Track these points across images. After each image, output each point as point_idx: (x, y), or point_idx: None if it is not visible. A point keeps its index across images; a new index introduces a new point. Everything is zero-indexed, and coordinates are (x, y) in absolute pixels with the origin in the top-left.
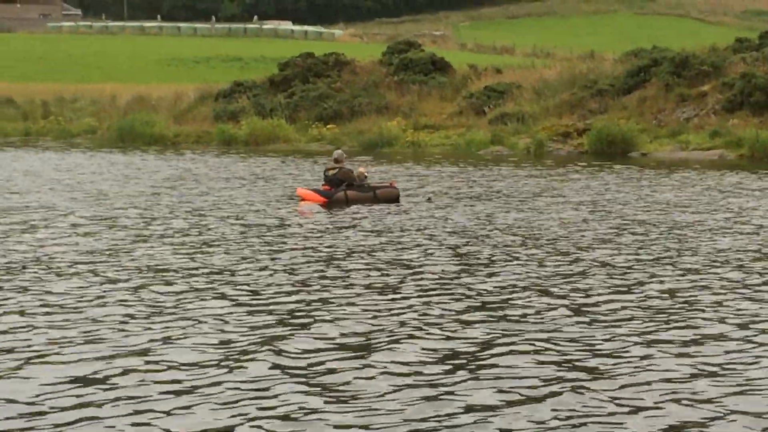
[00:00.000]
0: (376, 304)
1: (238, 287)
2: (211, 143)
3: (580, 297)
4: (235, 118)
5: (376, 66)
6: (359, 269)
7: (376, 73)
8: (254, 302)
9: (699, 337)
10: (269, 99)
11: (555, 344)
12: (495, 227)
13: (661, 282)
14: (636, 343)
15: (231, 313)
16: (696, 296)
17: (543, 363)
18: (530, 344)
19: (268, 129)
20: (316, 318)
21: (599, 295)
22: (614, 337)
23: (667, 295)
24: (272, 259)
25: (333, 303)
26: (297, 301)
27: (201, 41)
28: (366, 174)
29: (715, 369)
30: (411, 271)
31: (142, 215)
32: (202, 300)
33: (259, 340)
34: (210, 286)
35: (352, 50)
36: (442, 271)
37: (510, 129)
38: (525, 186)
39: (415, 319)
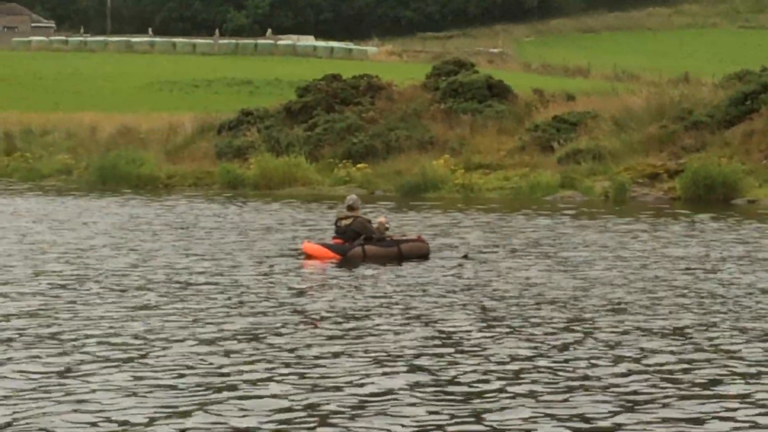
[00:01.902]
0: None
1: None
2: (212, 186)
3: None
4: (242, 155)
5: (419, 91)
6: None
7: (419, 100)
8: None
9: None
10: (285, 132)
11: None
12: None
13: None
14: None
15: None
16: None
17: None
18: None
19: (283, 169)
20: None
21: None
22: None
23: None
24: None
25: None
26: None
27: (201, 60)
28: (387, 225)
29: None
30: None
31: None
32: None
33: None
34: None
35: (388, 71)
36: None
37: (584, 169)
38: (589, 237)
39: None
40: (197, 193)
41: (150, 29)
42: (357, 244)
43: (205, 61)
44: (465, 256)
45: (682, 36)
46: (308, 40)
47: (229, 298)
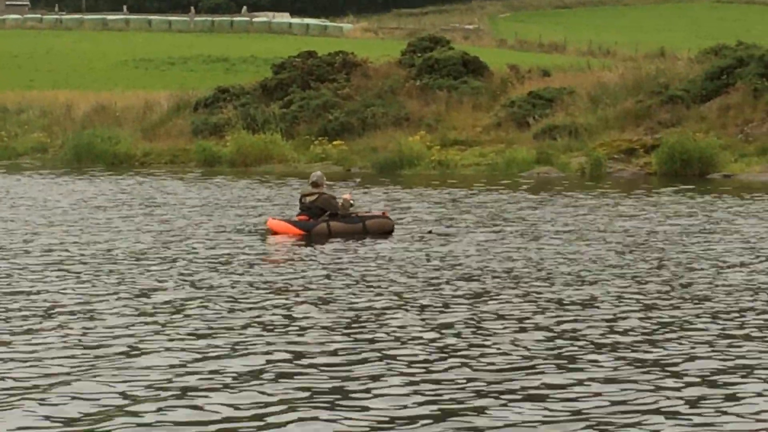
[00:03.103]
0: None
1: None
2: (188, 164)
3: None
4: (218, 132)
5: (394, 68)
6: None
7: (394, 77)
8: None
9: None
10: (261, 109)
11: None
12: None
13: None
14: None
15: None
16: None
17: None
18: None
19: (259, 146)
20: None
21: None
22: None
23: None
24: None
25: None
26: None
27: (177, 38)
28: (352, 201)
29: None
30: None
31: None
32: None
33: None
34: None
35: (363, 48)
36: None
37: (560, 145)
38: (561, 212)
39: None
40: (172, 171)
41: (125, 6)
42: (322, 220)
43: (180, 39)
44: (429, 232)
45: (659, 11)
46: (284, 17)
47: (174, 271)
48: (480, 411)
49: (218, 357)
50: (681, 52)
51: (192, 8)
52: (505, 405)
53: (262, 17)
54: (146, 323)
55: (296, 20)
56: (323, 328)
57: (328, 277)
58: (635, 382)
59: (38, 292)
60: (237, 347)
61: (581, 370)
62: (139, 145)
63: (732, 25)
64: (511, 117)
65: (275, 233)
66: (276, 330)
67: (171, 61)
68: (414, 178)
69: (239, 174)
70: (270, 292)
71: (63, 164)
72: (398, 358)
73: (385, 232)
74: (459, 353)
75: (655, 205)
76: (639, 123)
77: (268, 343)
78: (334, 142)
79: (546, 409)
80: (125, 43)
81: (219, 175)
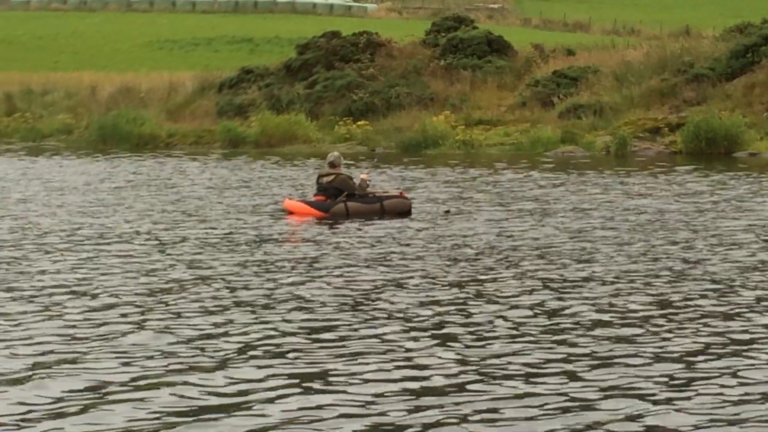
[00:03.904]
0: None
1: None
2: (213, 144)
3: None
4: (243, 113)
5: (418, 48)
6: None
7: (418, 57)
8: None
9: None
10: (285, 89)
11: None
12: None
13: None
14: None
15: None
16: None
17: None
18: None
19: (283, 127)
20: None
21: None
22: None
23: None
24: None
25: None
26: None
27: (200, 18)
28: (369, 181)
29: None
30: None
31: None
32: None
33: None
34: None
35: (388, 28)
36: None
37: (585, 124)
38: (581, 191)
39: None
40: (195, 152)
41: None
42: (339, 200)
43: (204, 19)
44: (447, 212)
45: None
46: None
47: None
48: (467, 390)
49: (215, 336)
50: (706, 30)
51: None
52: (498, 383)
53: None
54: (149, 301)
55: (320, 0)
56: (322, 305)
57: (331, 255)
58: (627, 365)
59: (30, 273)
60: (235, 326)
61: (574, 345)
62: (164, 126)
63: (757, 3)
64: (536, 96)
65: (292, 213)
66: (277, 308)
67: (195, 41)
68: (437, 158)
69: (262, 155)
70: (277, 271)
71: (88, 146)
72: (385, 336)
73: (403, 212)
74: (444, 331)
75: (673, 184)
76: (664, 101)
77: (265, 322)
78: (359, 123)
79: (538, 389)
80: (149, 24)
81: (243, 155)
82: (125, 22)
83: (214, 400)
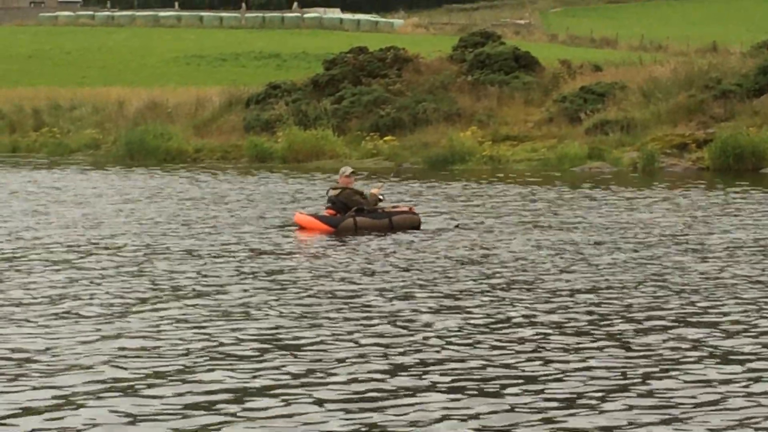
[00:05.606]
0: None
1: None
2: (240, 159)
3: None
4: (270, 128)
5: (445, 63)
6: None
7: (445, 72)
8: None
9: None
10: (312, 105)
11: None
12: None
13: None
14: None
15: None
16: None
17: None
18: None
19: (311, 142)
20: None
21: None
22: None
23: None
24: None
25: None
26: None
27: (228, 34)
28: (381, 197)
29: None
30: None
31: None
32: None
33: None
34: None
35: (414, 44)
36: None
37: (612, 140)
38: (599, 209)
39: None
40: (225, 166)
41: (176, 3)
42: (348, 215)
43: (231, 35)
44: (457, 227)
45: (710, 4)
46: (335, 13)
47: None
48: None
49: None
50: (733, 46)
51: (243, 4)
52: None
53: (313, 13)
54: (160, 308)
55: (347, 16)
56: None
57: (335, 270)
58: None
59: (33, 284)
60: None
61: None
62: (191, 141)
63: None
64: (563, 112)
65: (302, 228)
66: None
67: (222, 57)
68: (464, 174)
69: (289, 170)
70: (283, 285)
71: (115, 161)
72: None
73: (412, 228)
74: (448, 341)
75: (697, 201)
76: (691, 118)
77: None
78: (386, 138)
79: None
80: (177, 39)
81: (269, 171)
82: (153, 37)
83: (206, 405)
